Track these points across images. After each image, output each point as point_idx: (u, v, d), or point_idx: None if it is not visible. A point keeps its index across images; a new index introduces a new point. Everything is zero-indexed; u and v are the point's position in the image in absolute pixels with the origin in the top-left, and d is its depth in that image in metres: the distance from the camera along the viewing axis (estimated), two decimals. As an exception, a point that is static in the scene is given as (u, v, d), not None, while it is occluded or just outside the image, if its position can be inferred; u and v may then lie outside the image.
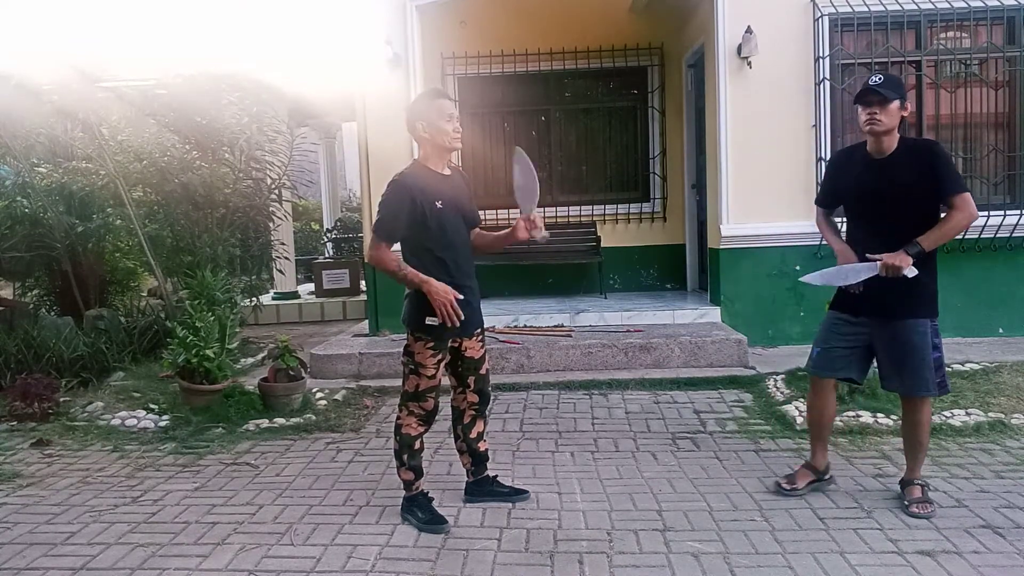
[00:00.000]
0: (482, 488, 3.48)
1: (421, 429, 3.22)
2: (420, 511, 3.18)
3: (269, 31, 6.84)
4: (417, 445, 3.22)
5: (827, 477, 3.46)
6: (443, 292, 3.00)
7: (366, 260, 3.07)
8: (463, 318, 3.05)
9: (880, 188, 3.15)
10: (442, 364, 3.19)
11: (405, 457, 3.20)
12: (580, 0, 7.45)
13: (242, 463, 4.11)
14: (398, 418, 3.24)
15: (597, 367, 5.67)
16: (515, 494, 3.46)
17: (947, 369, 5.03)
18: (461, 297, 3.04)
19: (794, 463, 3.83)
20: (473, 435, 3.42)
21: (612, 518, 3.23)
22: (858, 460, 3.85)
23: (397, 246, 3.08)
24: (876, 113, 3.07)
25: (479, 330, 3.33)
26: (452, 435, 3.51)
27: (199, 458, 4.23)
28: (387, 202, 3.04)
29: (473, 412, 3.40)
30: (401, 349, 3.27)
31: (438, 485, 3.65)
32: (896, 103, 3.07)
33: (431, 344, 3.12)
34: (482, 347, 3.34)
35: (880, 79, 3.12)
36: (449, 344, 3.20)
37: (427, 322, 3.08)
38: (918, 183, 3.09)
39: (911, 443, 3.32)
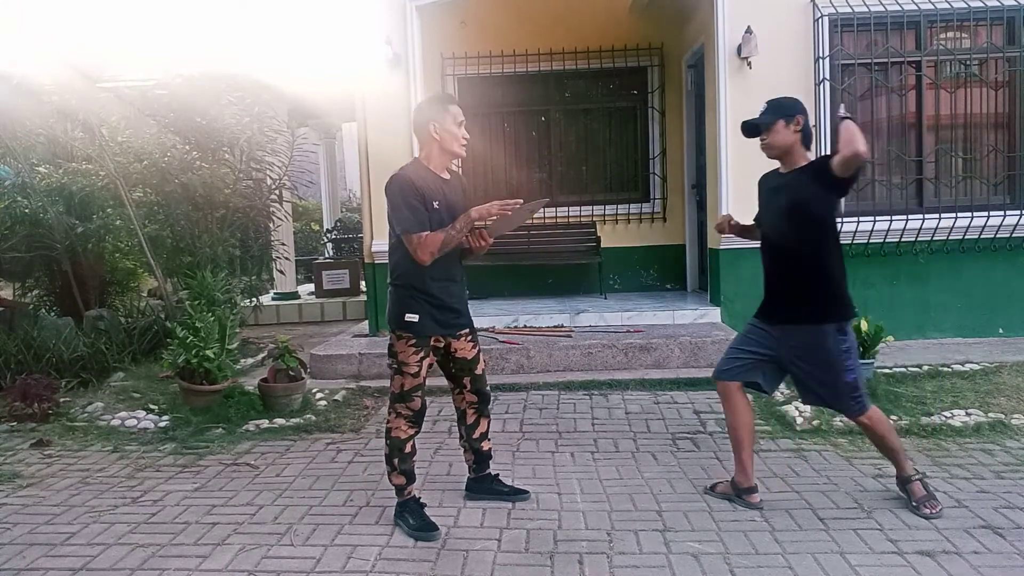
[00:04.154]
0: (482, 485, 3.49)
1: (411, 431, 3.21)
2: (411, 517, 3.16)
3: (269, 31, 6.85)
4: (408, 448, 3.20)
5: (744, 497, 3.33)
6: (482, 210, 3.00)
7: (423, 262, 3.00)
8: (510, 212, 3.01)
9: (777, 204, 3.24)
10: (426, 363, 3.18)
11: (396, 461, 3.19)
12: (580, 0, 7.45)
13: (242, 463, 4.11)
14: (388, 422, 3.24)
15: (597, 367, 5.66)
16: (515, 494, 3.46)
17: (947, 369, 5.10)
18: (516, 203, 3.00)
19: (794, 463, 3.84)
20: (476, 435, 3.43)
21: (612, 518, 3.23)
22: (858, 460, 3.85)
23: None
24: (764, 139, 3.20)
25: (467, 330, 3.31)
26: (457, 434, 3.52)
27: (199, 458, 4.23)
28: (398, 198, 3.02)
29: (475, 411, 3.41)
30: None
31: (438, 485, 3.65)
32: (780, 122, 3.14)
33: (413, 342, 3.12)
34: (474, 347, 3.33)
35: (764, 107, 3.23)
36: (433, 344, 3.19)
37: (407, 319, 3.09)
38: (802, 201, 3.13)
39: (883, 452, 3.32)
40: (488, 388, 3.44)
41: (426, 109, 3.17)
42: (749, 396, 3.44)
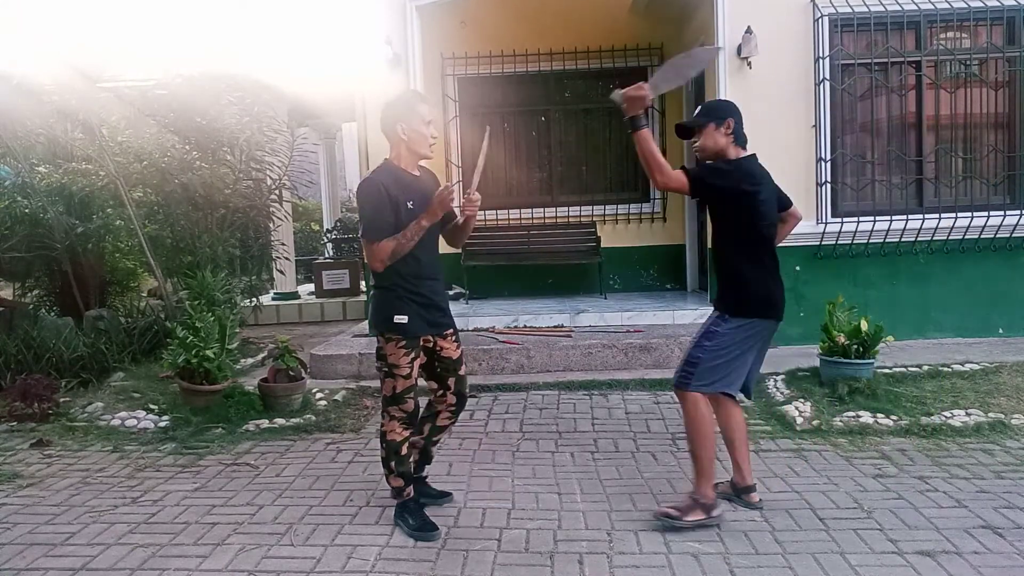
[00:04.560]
0: (416, 489, 3.41)
1: (405, 433, 3.17)
2: (411, 517, 3.15)
3: (270, 31, 6.85)
4: (403, 451, 3.18)
5: (743, 497, 3.32)
6: (436, 201, 2.98)
7: (375, 269, 3.04)
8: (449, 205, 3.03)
9: None
10: (416, 363, 3.15)
11: (393, 464, 3.17)
12: (580, 0, 7.45)
13: (242, 463, 4.11)
14: (382, 425, 3.19)
15: (597, 367, 5.67)
16: (442, 496, 3.46)
17: (947, 369, 5.09)
18: (452, 185, 3.02)
19: (794, 463, 3.84)
20: (437, 438, 3.41)
21: (612, 518, 3.23)
22: (858, 460, 3.85)
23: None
24: (695, 142, 3.27)
25: (452, 330, 3.29)
26: (416, 430, 3.40)
27: (199, 458, 4.23)
28: (366, 203, 3.02)
29: (450, 414, 3.35)
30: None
31: (438, 485, 3.63)
32: (711, 125, 3.18)
33: (402, 343, 3.08)
34: (459, 347, 3.30)
35: (697, 111, 3.31)
36: (422, 344, 3.17)
37: (395, 320, 3.05)
38: (709, 202, 3.28)
39: (690, 453, 3.22)
40: (468, 391, 3.39)
41: (393, 109, 3.11)
42: (746, 396, 3.44)
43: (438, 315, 3.19)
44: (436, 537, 3.06)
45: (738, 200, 3.13)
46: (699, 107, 3.34)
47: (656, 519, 3.12)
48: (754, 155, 3.22)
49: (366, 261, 3.04)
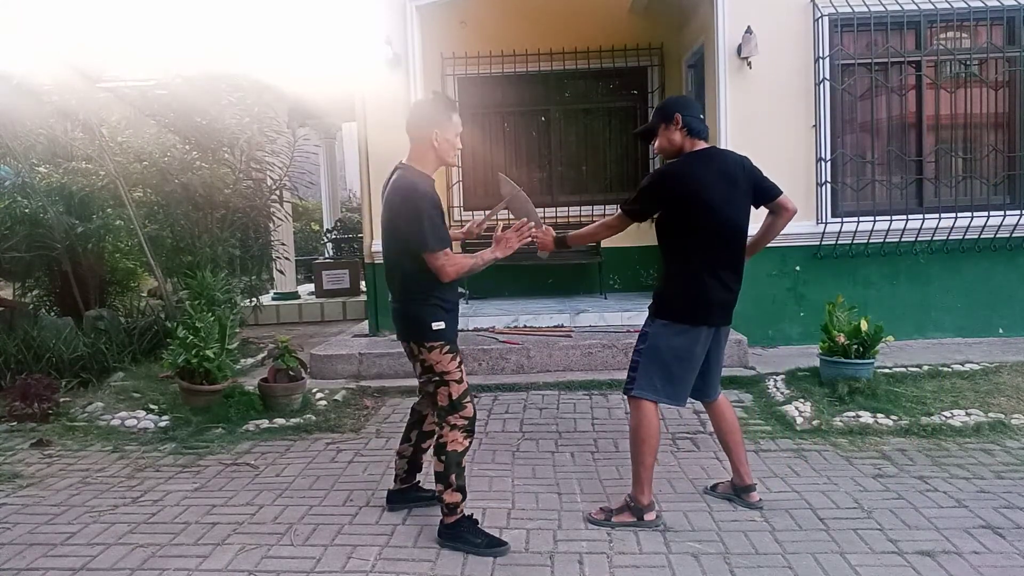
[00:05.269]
0: (408, 495, 3.41)
1: (467, 443, 3.06)
2: (472, 536, 2.99)
3: (270, 31, 6.85)
4: (464, 462, 3.06)
5: (743, 496, 3.34)
6: (514, 235, 3.03)
7: (449, 278, 2.94)
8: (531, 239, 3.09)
9: None
10: (463, 365, 3.09)
11: (453, 477, 2.99)
12: (580, 0, 7.45)
13: (242, 463, 4.11)
14: (440, 436, 3.04)
15: (597, 367, 5.66)
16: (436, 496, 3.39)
17: (947, 369, 5.09)
18: (532, 231, 3.06)
19: (794, 463, 3.84)
20: (426, 445, 3.35)
21: (612, 518, 3.23)
22: (858, 460, 3.85)
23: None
24: (653, 145, 3.28)
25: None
26: (403, 437, 3.41)
27: (199, 458, 4.23)
28: (426, 215, 2.89)
29: (436, 418, 3.26)
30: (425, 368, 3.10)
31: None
32: (661, 125, 3.17)
33: (447, 348, 3.02)
34: None
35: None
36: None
37: (434, 327, 2.99)
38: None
39: (631, 456, 3.22)
40: None
41: (429, 113, 3.05)
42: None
43: (456, 319, 3.18)
44: (507, 551, 2.94)
45: (674, 205, 3.09)
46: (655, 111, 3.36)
47: (587, 520, 3.19)
48: (710, 148, 3.15)
49: (435, 271, 2.92)
